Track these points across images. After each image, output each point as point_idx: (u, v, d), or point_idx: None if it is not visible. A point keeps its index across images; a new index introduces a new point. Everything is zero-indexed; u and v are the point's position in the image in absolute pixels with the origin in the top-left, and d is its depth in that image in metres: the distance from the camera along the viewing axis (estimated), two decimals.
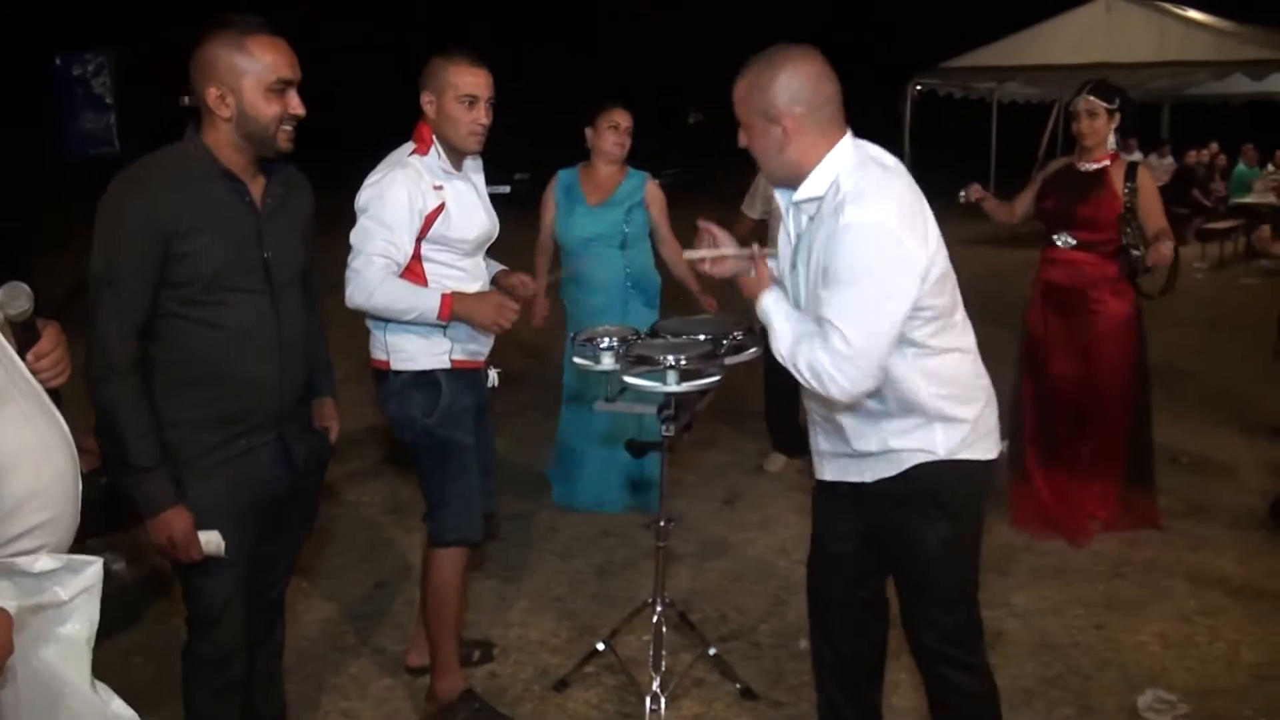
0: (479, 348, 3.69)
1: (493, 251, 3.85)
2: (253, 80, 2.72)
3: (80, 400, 2.61)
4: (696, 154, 24.27)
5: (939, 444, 2.78)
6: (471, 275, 3.68)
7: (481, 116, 3.56)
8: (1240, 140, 18.61)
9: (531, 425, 7.03)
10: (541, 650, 4.33)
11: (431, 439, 3.62)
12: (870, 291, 2.59)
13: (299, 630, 4.32)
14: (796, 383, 2.79)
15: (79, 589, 2.06)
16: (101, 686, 2.15)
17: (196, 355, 2.77)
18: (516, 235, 4.77)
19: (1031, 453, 5.49)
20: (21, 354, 2.10)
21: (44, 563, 2.02)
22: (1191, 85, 19.08)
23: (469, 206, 3.64)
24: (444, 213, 3.53)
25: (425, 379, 3.60)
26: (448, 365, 3.61)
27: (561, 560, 5.18)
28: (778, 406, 6.16)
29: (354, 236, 3.48)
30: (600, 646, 4.10)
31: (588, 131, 5.45)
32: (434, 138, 3.57)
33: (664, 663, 3.81)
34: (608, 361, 3.53)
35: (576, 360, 3.65)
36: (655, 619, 3.85)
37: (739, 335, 3.55)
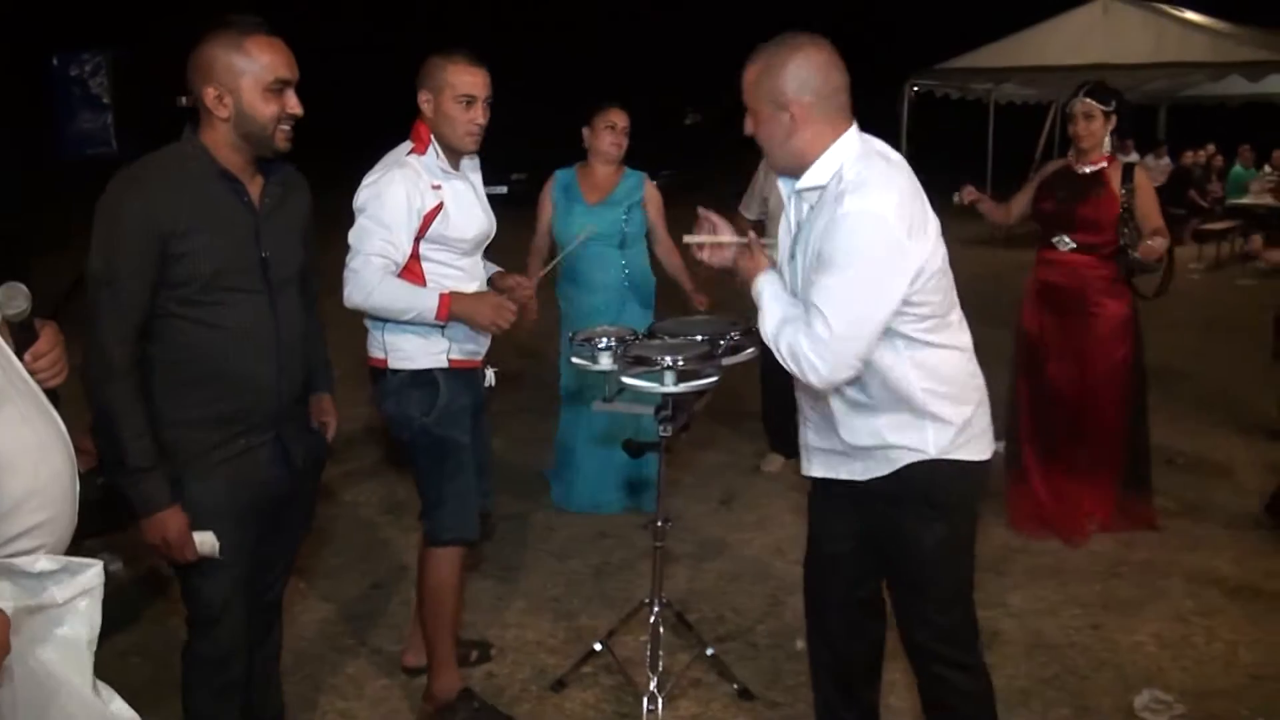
0: (476, 347, 3.70)
1: (489, 251, 3.85)
2: (251, 80, 2.72)
3: (78, 400, 2.61)
4: (693, 155, 24.26)
5: (930, 443, 2.78)
6: (470, 274, 3.68)
7: (479, 116, 3.56)
8: (1237, 141, 18.62)
9: (528, 425, 7.03)
10: (539, 650, 4.33)
11: (429, 438, 3.62)
12: (859, 280, 2.59)
13: (296, 631, 4.31)
14: (793, 382, 2.79)
15: (77, 591, 2.06)
16: (104, 688, 2.15)
17: (195, 355, 2.77)
18: (513, 235, 4.77)
19: (1028, 453, 5.50)
20: (19, 354, 2.10)
21: (43, 564, 2.02)
22: (1188, 86, 19.12)
23: (467, 206, 3.64)
24: (442, 212, 3.53)
25: (423, 378, 3.60)
26: (445, 364, 3.61)
27: (559, 561, 5.18)
28: (775, 407, 6.16)
29: (352, 236, 3.48)
30: (598, 647, 4.10)
31: (585, 132, 5.45)
32: (432, 137, 3.57)
33: (661, 663, 3.81)
34: (606, 362, 3.54)
35: (574, 360, 3.65)
36: (652, 619, 3.85)
37: (736, 336, 3.56)
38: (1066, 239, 5.27)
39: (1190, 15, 15.70)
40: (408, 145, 3.59)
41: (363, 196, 3.49)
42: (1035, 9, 16.19)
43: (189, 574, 2.88)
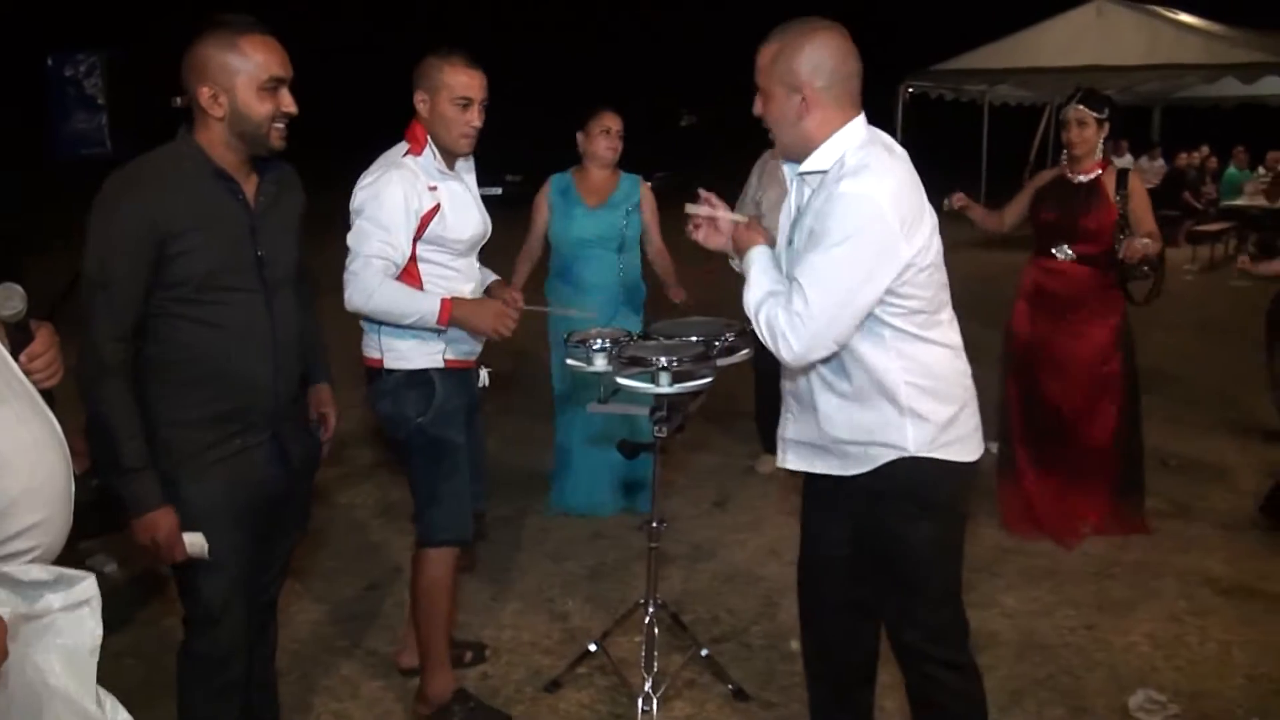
0: (471, 347, 3.70)
1: (482, 253, 3.85)
2: (245, 79, 2.72)
3: (73, 401, 2.61)
4: (689, 156, 24.29)
5: (909, 440, 2.77)
6: (465, 275, 3.68)
7: (475, 118, 3.56)
8: (1231, 143, 18.67)
9: (522, 426, 7.03)
10: (533, 651, 4.33)
11: (424, 438, 3.62)
12: (845, 260, 2.60)
13: (291, 632, 4.32)
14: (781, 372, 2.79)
15: (74, 601, 2.06)
16: (107, 698, 2.15)
17: (192, 354, 2.77)
18: (508, 236, 4.77)
19: (1020, 455, 5.51)
20: (15, 355, 2.10)
21: (36, 573, 2.02)
22: (1183, 88, 19.17)
23: (463, 207, 3.64)
24: (439, 213, 3.53)
25: (419, 378, 3.60)
26: (441, 364, 3.61)
27: (553, 562, 5.19)
28: (769, 407, 6.16)
29: (351, 239, 3.46)
30: (592, 647, 4.10)
31: (579, 136, 5.45)
32: (428, 138, 3.57)
33: (656, 664, 3.81)
34: (600, 363, 3.53)
35: (569, 361, 3.65)
36: (647, 620, 3.86)
37: (731, 337, 3.56)
38: (1067, 249, 5.27)
39: (1184, 17, 15.74)
40: (403, 146, 3.58)
41: (360, 198, 3.48)
42: (1030, 11, 16.23)
43: (188, 574, 2.88)
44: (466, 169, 3.73)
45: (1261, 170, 17.51)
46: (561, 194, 5.49)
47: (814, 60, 2.70)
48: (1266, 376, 6.81)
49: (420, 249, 3.53)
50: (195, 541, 2.78)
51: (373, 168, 3.55)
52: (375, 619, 4.60)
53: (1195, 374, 8.70)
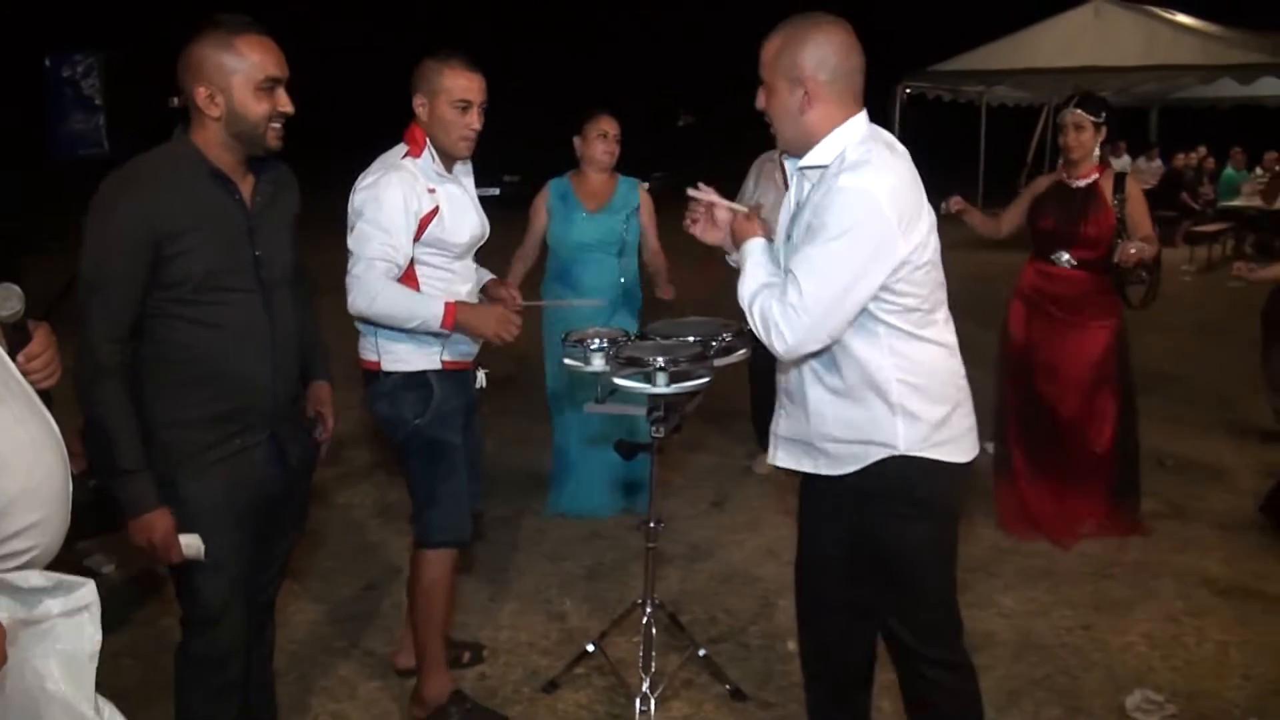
0: (469, 348, 3.70)
1: (481, 253, 3.85)
2: (242, 79, 2.72)
3: (70, 401, 2.61)
4: (686, 156, 24.30)
5: (900, 438, 2.77)
6: (462, 277, 3.68)
7: (474, 121, 3.56)
8: (1228, 144, 18.71)
9: (519, 427, 7.03)
10: (531, 652, 4.33)
11: (421, 439, 3.62)
12: (840, 254, 2.60)
13: (288, 633, 4.32)
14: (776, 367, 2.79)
15: (73, 607, 2.06)
16: (106, 706, 2.15)
17: (191, 355, 2.77)
18: (505, 237, 4.77)
19: (1017, 456, 5.51)
20: (12, 355, 2.10)
21: (35, 580, 2.02)
22: (1180, 89, 19.18)
23: (461, 209, 3.64)
24: (437, 216, 3.52)
25: (417, 380, 3.60)
26: (438, 366, 3.61)
27: (551, 562, 5.19)
28: (764, 406, 6.16)
29: (352, 242, 3.45)
30: (590, 648, 4.11)
31: (576, 141, 5.44)
32: (427, 140, 3.57)
33: (653, 664, 3.82)
34: (598, 363, 3.53)
35: (566, 361, 3.65)
36: (645, 620, 3.86)
37: (728, 337, 3.56)
38: (1067, 256, 5.26)
39: (1181, 18, 15.75)
40: (402, 148, 3.58)
41: (360, 200, 3.47)
42: (1027, 11, 16.24)
43: (187, 575, 2.88)
44: (464, 172, 3.73)
45: (1259, 171, 17.54)
46: (561, 199, 5.48)
47: (818, 54, 2.70)
48: (1263, 377, 6.83)
49: (417, 251, 3.52)
50: (191, 543, 2.78)
51: (371, 169, 3.54)
52: (373, 619, 4.60)
53: (1192, 374, 8.71)
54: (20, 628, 1.98)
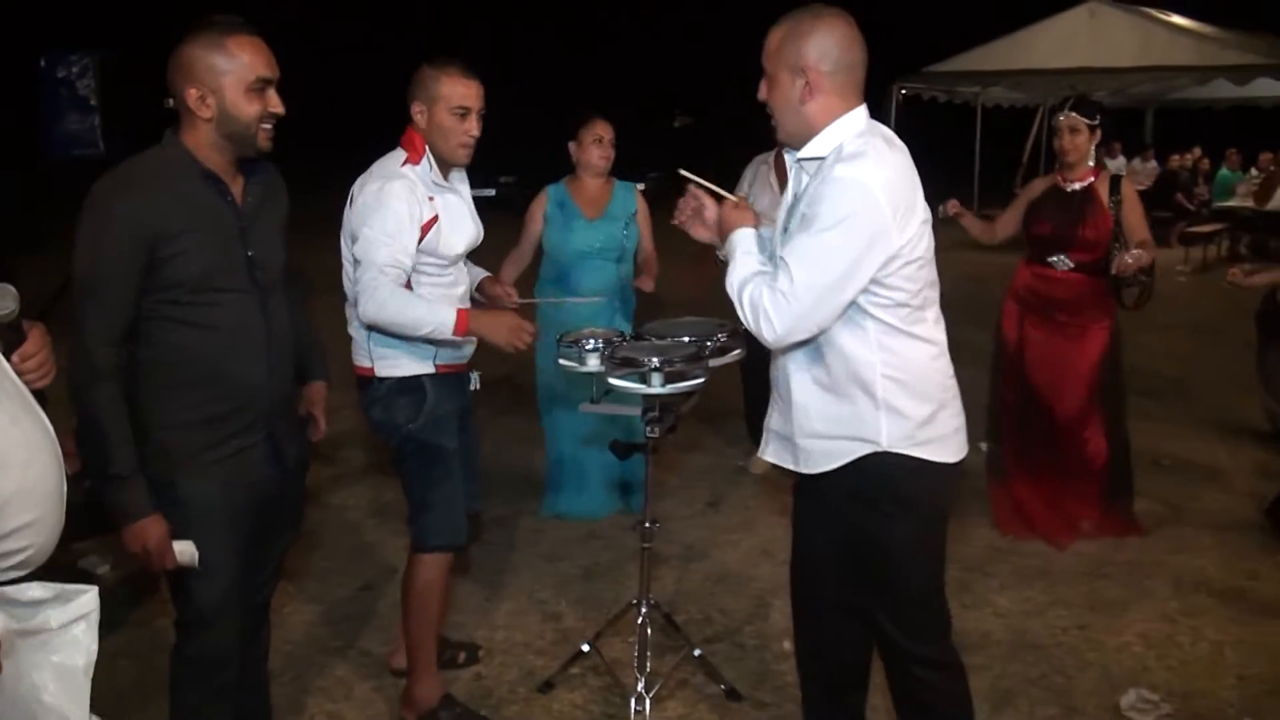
0: (462, 351, 3.69)
1: (475, 254, 3.84)
2: (233, 80, 2.72)
3: (65, 401, 2.61)
4: (682, 157, 24.20)
5: (883, 434, 2.76)
6: (457, 281, 3.67)
7: (473, 128, 3.55)
8: (1224, 145, 18.71)
9: (517, 428, 7.02)
10: (527, 652, 4.33)
11: (415, 444, 3.62)
12: (833, 243, 2.60)
13: (284, 634, 4.31)
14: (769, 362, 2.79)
15: (71, 617, 2.06)
16: None
17: (187, 357, 2.77)
18: (501, 238, 4.77)
19: (1012, 456, 5.51)
20: (7, 355, 2.10)
21: (35, 592, 2.02)
22: (1175, 90, 19.23)
23: (458, 217, 3.63)
24: (436, 225, 3.51)
25: (410, 384, 3.59)
26: (432, 370, 3.61)
27: (547, 562, 5.19)
28: (759, 406, 6.15)
29: (359, 250, 3.42)
30: (585, 648, 4.11)
31: (571, 146, 5.42)
32: (426, 147, 3.55)
33: (649, 664, 3.82)
34: (593, 363, 3.53)
35: (561, 361, 3.64)
36: (640, 620, 3.86)
37: (723, 338, 3.56)
38: (1065, 259, 5.26)
39: (1176, 19, 15.79)
40: (401, 155, 3.56)
41: (365, 209, 3.44)
42: (1022, 12, 16.28)
43: (182, 576, 2.87)
44: (460, 179, 3.72)
45: (1254, 172, 17.56)
46: (559, 206, 5.44)
47: (821, 45, 2.71)
48: (1258, 378, 6.83)
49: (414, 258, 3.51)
50: (185, 550, 2.78)
51: (371, 176, 3.52)
52: (369, 620, 4.60)
53: (1188, 375, 8.72)
54: (18, 638, 1.98)
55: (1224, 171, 18.32)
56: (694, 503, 5.99)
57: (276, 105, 2.80)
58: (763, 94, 2.84)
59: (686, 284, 5.69)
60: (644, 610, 3.88)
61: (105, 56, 7.49)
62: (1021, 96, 19.98)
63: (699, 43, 38.54)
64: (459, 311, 3.41)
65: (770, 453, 3.03)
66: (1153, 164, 19.40)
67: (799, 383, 2.85)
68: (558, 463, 5.75)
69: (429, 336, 3.44)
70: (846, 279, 2.62)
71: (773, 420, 3.03)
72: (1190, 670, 4.15)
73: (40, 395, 2.16)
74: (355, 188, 3.54)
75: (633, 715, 3.77)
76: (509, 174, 17.85)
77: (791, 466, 2.94)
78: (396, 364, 3.58)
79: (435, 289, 3.55)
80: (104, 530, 3.07)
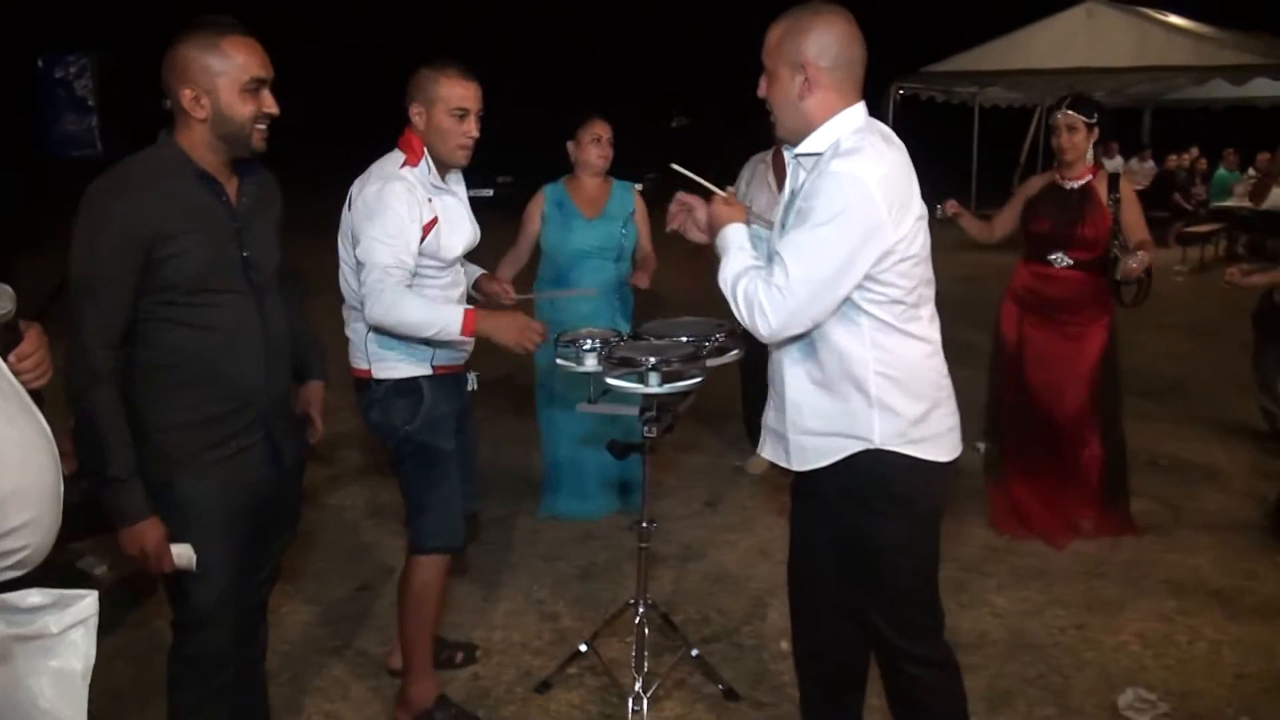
0: (460, 352, 3.69)
1: (472, 253, 3.84)
2: (227, 80, 2.72)
3: (61, 401, 2.61)
4: (679, 158, 24.20)
5: (875, 431, 2.76)
6: (454, 281, 3.67)
7: (472, 130, 3.54)
8: (1221, 145, 18.72)
9: (515, 428, 7.03)
10: (524, 652, 4.33)
11: (412, 446, 3.61)
12: (829, 238, 2.60)
13: (281, 634, 4.31)
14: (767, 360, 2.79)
15: (70, 622, 2.06)
16: None
17: (184, 358, 2.77)
18: (498, 238, 4.77)
19: (1009, 456, 5.51)
20: (4, 355, 2.10)
21: (34, 598, 2.02)
22: (1172, 90, 19.27)
23: (457, 219, 3.63)
24: (435, 227, 3.50)
25: (407, 386, 3.59)
26: (429, 371, 3.60)
27: (544, 563, 5.19)
28: (756, 406, 6.15)
29: (362, 253, 3.40)
30: (583, 648, 4.11)
31: (569, 146, 5.42)
32: (424, 149, 3.55)
33: (646, 664, 3.82)
34: (591, 363, 3.53)
35: (559, 361, 3.64)
36: (637, 620, 3.86)
37: (721, 337, 3.56)
38: (1064, 257, 5.25)
39: (1174, 19, 15.81)
40: (399, 157, 3.55)
41: (366, 210, 3.43)
42: (1020, 13, 16.29)
43: (180, 577, 2.87)
44: (456, 180, 3.71)
45: (1251, 172, 17.56)
46: (557, 206, 5.45)
47: (821, 41, 2.72)
48: (1254, 378, 6.84)
49: None
50: (183, 553, 2.77)
51: (371, 178, 3.51)
52: (366, 620, 4.60)
53: (1185, 375, 8.73)
54: (16, 644, 1.98)
55: (1221, 171, 18.33)
56: (691, 503, 5.99)
57: (271, 106, 2.80)
58: (762, 90, 2.85)
59: (685, 283, 5.68)
60: (641, 610, 3.87)
61: (103, 57, 7.47)
62: (1019, 96, 20.01)
63: (698, 43, 38.58)
64: (466, 311, 3.40)
65: (767, 450, 3.03)
66: (1150, 164, 19.41)
67: (793, 378, 2.86)
68: (555, 463, 5.75)
69: (436, 337, 3.42)
70: (841, 273, 2.62)
71: (769, 417, 3.03)
72: (1188, 670, 4.15)
73: (37, 395, 2.16)
74: (354, 189, 3.53)
75: (630, 715, 3.77)
76: (506, 174, 17.83)
77: (784, 463, 2.94)
78: (393, 366, 3.58)
79: (433, 291, 3.55)
80: (101, 530, 3.07)
